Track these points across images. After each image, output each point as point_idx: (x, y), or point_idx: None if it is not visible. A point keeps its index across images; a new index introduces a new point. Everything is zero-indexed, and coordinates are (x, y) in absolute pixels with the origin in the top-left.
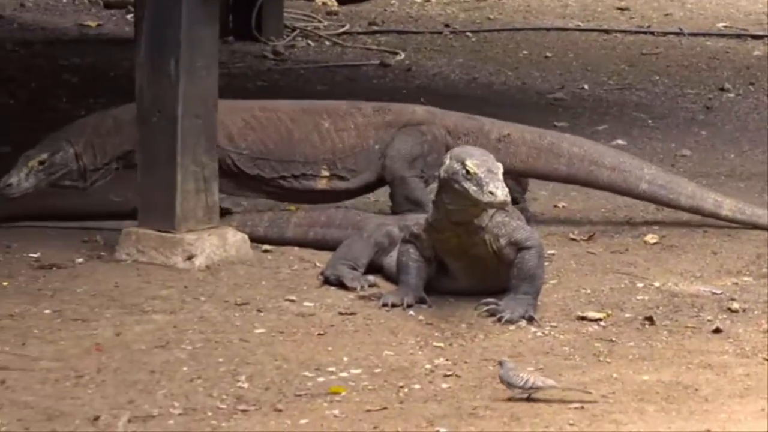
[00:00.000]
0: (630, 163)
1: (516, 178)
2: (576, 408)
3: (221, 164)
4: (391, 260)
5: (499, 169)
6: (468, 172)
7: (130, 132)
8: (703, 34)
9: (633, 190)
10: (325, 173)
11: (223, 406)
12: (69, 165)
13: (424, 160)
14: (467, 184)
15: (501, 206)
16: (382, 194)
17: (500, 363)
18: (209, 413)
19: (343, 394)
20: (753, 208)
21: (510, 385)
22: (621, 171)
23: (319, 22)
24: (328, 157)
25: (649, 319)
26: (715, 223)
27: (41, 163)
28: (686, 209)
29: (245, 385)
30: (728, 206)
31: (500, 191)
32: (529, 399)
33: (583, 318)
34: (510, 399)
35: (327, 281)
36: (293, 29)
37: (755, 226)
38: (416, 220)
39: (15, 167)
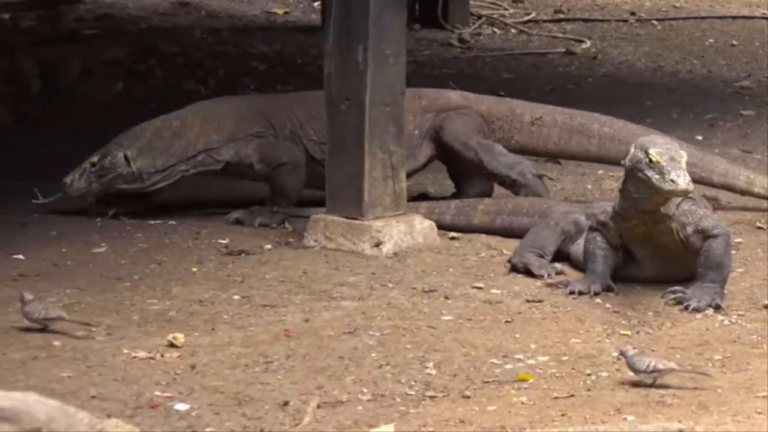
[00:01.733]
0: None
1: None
2: (764, 396)
3: None
4: (578, 248)
5: (682, 157)
6: (651, 160)
7: (198, 133)
8: None
9: None
10: None
11: (412, 393)
12: (118, 169)
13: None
14: (650, 173)
15: (683, 194)
16: (569, 181)
17: (622, 352)
18: (398, 399)
19: (531, 381)
20: None
21: (636, 371)
22: None
23: (505, 9)
24: None
25: None
26: None
27: (92, 165)
28: (719, 186)
29: (433, 372)
30: (760, 183)
31: (682, 179)
32: (654, 384)
33: None
34: (636, 384)
35: (514, 269)
36: (479, 17)
37: None
38: (603, 208)
39: (77, 167)
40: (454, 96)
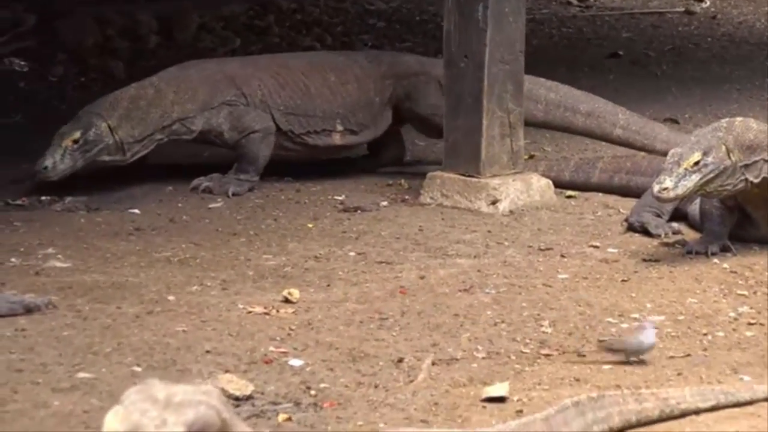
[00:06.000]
0: (604, 109)
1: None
2: None
3: None
4: (695, 208)
5: (691, 158)
6: None
7: (173, 101)
8: None
9: (608, 135)
10: (340, 128)
11: (527, 351)
12: (104, 140)
13: None
14: None
15: (656, 199)
16: None
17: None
18: (512, 357)
19: None
20: None
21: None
22: (596, 117)
23: None
24: (340, 111)
25: None
26: None
27: (75, 141)
28: (662, 154)
29: (548, 330)
30: None
31: (657, 186)
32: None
33: None
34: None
35: (631, 228)
36: None
37: None
38: None
39: (50, 147)
40: (412, 61)
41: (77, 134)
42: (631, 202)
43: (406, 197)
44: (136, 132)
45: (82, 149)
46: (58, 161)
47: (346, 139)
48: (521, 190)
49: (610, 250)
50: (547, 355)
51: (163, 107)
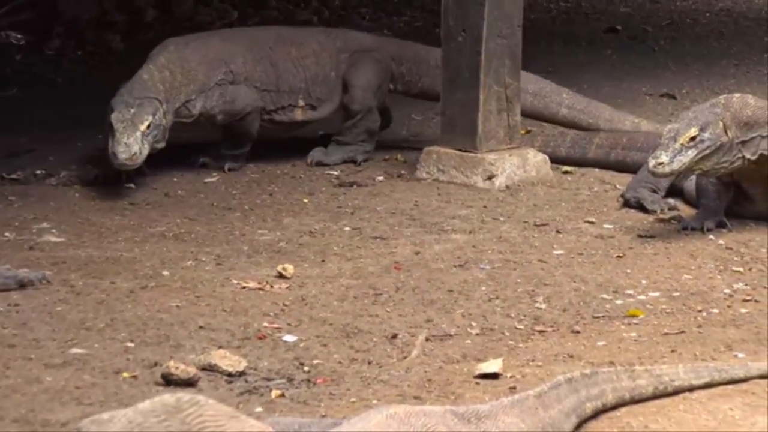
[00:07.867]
0: (550, 89)
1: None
2: None
3: None
4: (691, 184)
5: (688, 133)
6: None
7: (181, 83)
8: None
9: (554, 115)
10: (301, 103)
11: (521, 327)
12: (162, 124)
13: (380, 89)
14: None
15: (653, 175)
16: None
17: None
18: (506, 333)
19: (641, 316)
20: None
21: None
22: (542, 97)
23: None
24: (302, 86)
25: None
26: None
27: (148, 127)
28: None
29: (543, 306)
30: (646, 128)
31: (652, 161)
32: None
33: None
34: None
35: (627, 204)
36: None
37: None
38: None
39: (122, 134)
40: (368, 38)
41: (150, 119)
42: (627, 178)
43: (402, 172)
44: (170, 116)
45: (152, 134)
46: (141, 146)
47: (307, 114)
48: (517, 165)
49: (605, 225)
50: (541, 332)
51: (177, 89)
